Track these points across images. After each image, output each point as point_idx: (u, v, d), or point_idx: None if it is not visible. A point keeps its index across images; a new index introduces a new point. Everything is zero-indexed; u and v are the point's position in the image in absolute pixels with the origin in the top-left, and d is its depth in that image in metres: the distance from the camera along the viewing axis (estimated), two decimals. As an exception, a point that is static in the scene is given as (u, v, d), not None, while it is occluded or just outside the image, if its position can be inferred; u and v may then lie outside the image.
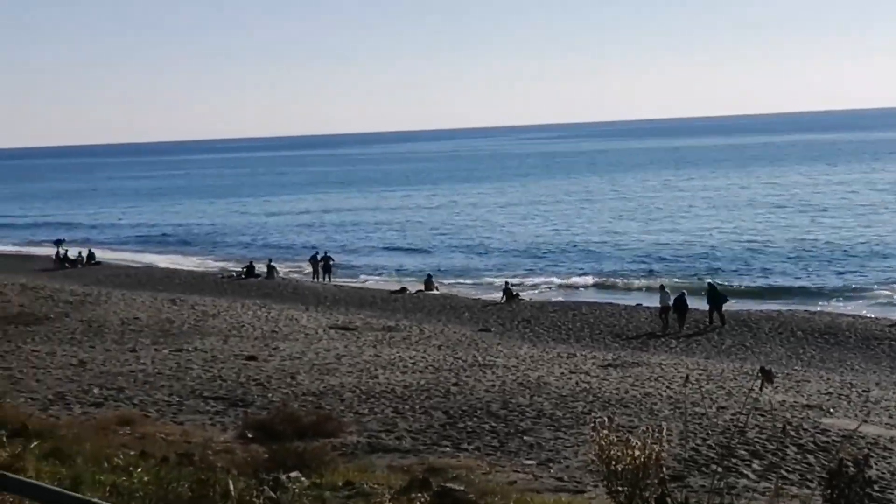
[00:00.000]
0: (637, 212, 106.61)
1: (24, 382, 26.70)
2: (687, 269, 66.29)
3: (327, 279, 66.78)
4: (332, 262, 68.71)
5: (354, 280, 68.44)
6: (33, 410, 20.91)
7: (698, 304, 47.06)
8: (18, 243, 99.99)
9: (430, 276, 63.19)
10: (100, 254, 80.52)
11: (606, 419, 14.03)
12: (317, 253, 71.24)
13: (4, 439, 13.50)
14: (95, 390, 25.96)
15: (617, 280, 63.85)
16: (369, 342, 38.41)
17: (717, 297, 47.07)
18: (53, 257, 77.72)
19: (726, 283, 57.77)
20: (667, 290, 48.48)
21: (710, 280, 54.08)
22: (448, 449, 20.62)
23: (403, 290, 59.86)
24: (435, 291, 59.79)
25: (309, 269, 70.03)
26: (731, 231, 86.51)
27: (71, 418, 21.37)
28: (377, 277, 70.22)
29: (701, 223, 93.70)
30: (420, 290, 59.80)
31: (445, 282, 64.54)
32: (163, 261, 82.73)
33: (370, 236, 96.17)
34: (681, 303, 46.07)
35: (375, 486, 14.52)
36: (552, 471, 18.85)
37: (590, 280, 64.17)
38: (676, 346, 41.29)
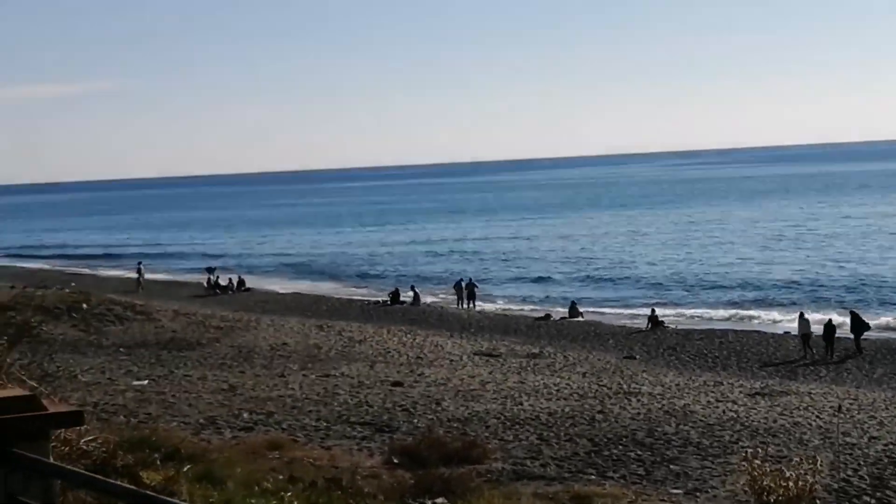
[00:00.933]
0: (779, 238, 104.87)
1: (177, 406, 27.28)
2: (833, 298, 64.85)
3: (471, 305, 66.91)
4: (476, 289, 68.85)
5: (498, 306, 68.43)
6: (186, 434, 21.33)
7: (842, 331, 46.39)
8: (171, 270, 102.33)
9: (574, 303, 62.92)
10: (249, 280, 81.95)
11: (759, 449, 13.84)
12: (461, 280, 71.44)
13: (158, 462, 13.80)
14: (245, 415, 26.40)
15: (759, 309, 62.76)
16: (514, 369, 38.39)
17: (859, 325, 46.51)
18: (205, 283, 79.30)
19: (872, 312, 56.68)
20: (806, 316, 47.73)
21: (852, 308, 53.04)
22: (593, 477, 20.50)
23: (548, 316, 59.72)
24: (580, 318, 59.53)
25: (453, 295, 70.28)
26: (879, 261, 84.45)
27: (222, 442, 21.75)
28: (521, 304, 70.11)
29: (848, 251, 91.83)
30: (564, 317, 59.59)
31: (590, 309, 64.20)
32: (310, 287, 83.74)
33: (512, 263, 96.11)
34: (829, 330, 45.40)
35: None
36: (699, 500, 18.60)
37: (730, 310, 63.17)
38: (826, 375, 40.41)
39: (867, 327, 46.89)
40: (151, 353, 39.62)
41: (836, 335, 45.49)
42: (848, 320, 47.88)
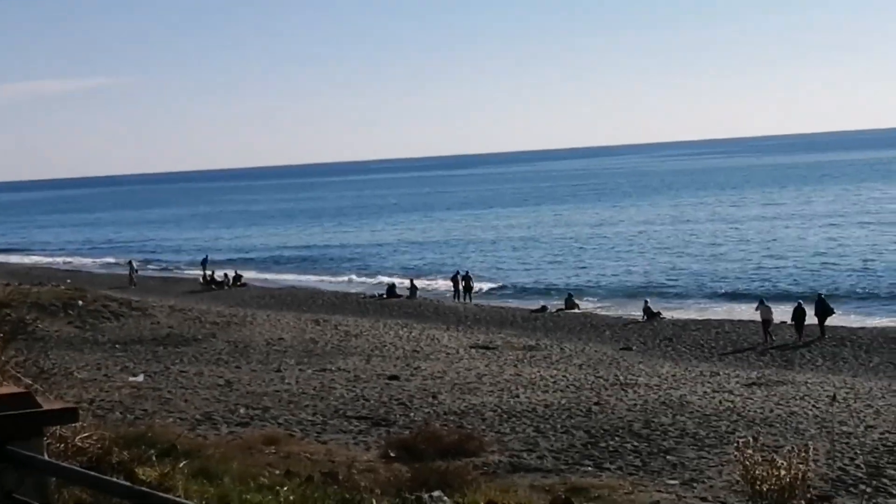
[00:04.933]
0: (768, 230, 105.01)
1: (173, 402, 27.30)
2: (813, 285, 64.93)
3: (468, 298, 66.93)
4: (472, 282, 68.85)
5: (494, 299, 68.44)
6: (182, 430, 21.34)
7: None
8: (167, 266, 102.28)
9: (570, 295, 62.96)
10: (245, 275, 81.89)
11: (751, 438, 13.83)
12: (458, 272, 71.46)
13: (154, 458, 13.79)
14: (241, 410, 26.43)
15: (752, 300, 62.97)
16: (510, 361, 38.42)
17: (825, 309, 47.24)
18: (200, 279, 79.26)
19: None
20: (766, 303, 48.77)
21: (821, 292, 53.40)
22: (590, 468, 20.52)
23: (544, 308, 59.73)
24: (576, 310, 59.55)
25: (450, 288, 70.29)
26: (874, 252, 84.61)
27: (218, 438, 21.77)
28: (517, 296, 70.11)
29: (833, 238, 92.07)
30: (560, 309, 59.60)
31: (587, 301, 64.22)
32: (306, 282, 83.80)
33: (509, 255, 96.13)
34: (798, 313, 46.50)
35: (517, 505, 14.53)
36: (696, 491, 18.62)
37: (726, 301, 63.22)
38: (822, 365, 40.46)
39: (832, 311, 47.56)
40: (147, 349, 39.65)
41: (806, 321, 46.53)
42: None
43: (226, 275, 79.59)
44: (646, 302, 56.53)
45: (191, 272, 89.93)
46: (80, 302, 47.95)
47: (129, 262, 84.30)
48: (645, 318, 53.82)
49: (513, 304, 65.28)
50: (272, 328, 46.48)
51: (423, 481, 15.56)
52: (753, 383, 33.41)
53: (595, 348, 44.07)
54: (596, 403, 28.14)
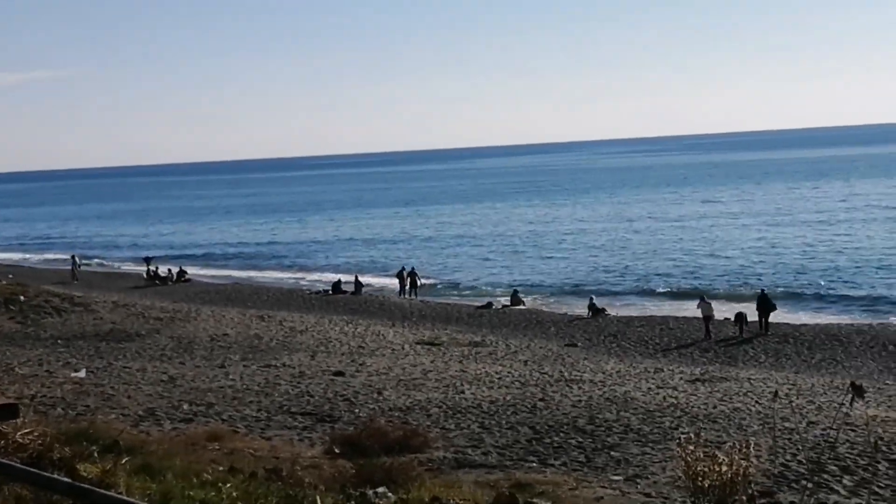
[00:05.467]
0: (708, 227, 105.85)
1: (116, 399, 27.06)
2: (754, 283, 65.51)
3: (413, 295, 66.95)
4: (418, 278, 68.89)
5: (440, 296, 68.46)
6: (125, 426, 21.15)
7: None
8: (109, 261, 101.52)
9: (515, 291, 63.16)
10: (189, 271, 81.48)
11: (692, 435, 13.89)
12: (403, 268, 71.48)
13: (96, 455, 13.68)
14: (185, 406, 26.24)
15: (689, 297, 63.44)
16: (455, 357, 38.45)
17: (766, 304, 48.19)
18: (144, 275, 78.69)
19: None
20: (706, 300, 49.90)
21: (763, 288, 54.08)
22: (535, 464, 20.55)
23: (489, 305, 59.86)
24: (521, 307, 59.71)
25: (395, 284, 70.26)
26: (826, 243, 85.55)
27: (161, 434, 21.62)
28: (463, 293, 70.23)
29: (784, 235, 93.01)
30: (506, 306, 59.75)
31: (532, 298, 64.39)
32: (250, 277, 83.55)
33: (455, 252, 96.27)
34: (740, 313, 47.78)
35: (462, 501, 14.52)
36: (639, 487, 18.70)
37: (669, 299, 63.62)
38: (765, 361, 40.85)
39: (773, 308, 48.51)
40: (90, 344, 39.30)
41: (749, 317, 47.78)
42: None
43: (170, 270, 79.23)
44: (591, 299, 56.87)
45: (134, 268, 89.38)
46: (22, 297, 47.48)
47: (72, 258, 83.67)
48: (590, 314, 54.13)
49: (458, 300, 65.38)
50: (216, 324, 46.23)
51: (367, 477, 15.52)
52: (697, 379, 33.67)
53: (540, 344, 44.24)
54: (541, 400, 28.20)
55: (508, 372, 34.17)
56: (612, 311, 55.63)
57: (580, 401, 28.17)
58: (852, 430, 23.56)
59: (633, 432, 23.72)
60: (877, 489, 19.19)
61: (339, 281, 69.77)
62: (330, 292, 67.51)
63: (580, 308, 56.91)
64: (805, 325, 48.76)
